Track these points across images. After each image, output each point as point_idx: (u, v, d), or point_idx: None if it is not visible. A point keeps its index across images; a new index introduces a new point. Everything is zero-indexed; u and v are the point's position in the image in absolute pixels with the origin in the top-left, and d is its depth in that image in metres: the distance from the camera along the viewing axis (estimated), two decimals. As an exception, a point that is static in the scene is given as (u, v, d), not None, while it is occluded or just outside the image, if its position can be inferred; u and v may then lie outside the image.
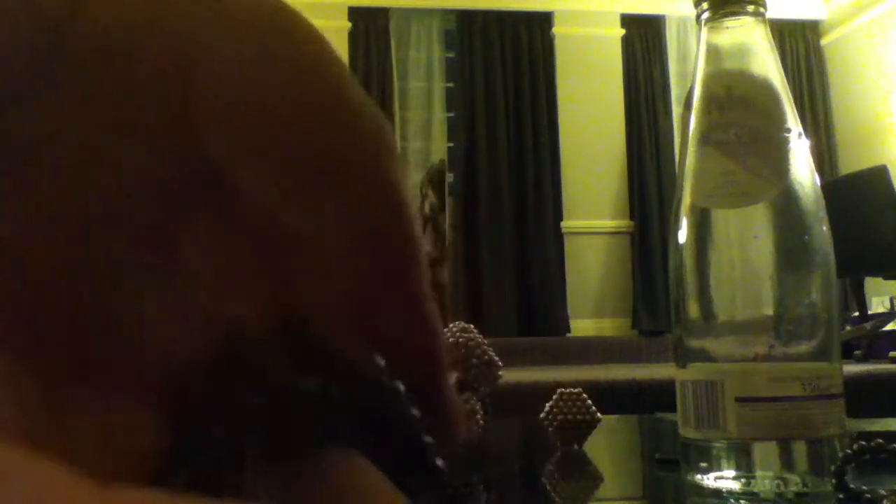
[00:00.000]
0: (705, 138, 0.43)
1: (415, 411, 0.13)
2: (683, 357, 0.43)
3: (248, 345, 0.12)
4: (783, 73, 0.43)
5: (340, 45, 4.06)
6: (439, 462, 0.13)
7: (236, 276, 0.13)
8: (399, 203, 0.13)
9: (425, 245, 0.13)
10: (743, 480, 0.40)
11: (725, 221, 0.43)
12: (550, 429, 0.59)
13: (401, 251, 0.13)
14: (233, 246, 0.13)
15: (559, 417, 0.59)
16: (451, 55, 4.27)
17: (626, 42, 4.34)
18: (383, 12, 4.21)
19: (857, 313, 3.04)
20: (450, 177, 3.66)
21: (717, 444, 0.40)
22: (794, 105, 0.43)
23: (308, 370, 0.12)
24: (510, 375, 1.60)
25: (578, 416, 0.59)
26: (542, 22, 4.28)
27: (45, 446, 0.10)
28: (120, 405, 0.11)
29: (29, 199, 0.11)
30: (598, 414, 0.60)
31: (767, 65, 0.43)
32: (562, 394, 0.60)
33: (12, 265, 0.11)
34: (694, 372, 0.42)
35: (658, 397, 1.57)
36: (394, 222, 0.13)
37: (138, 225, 0.12)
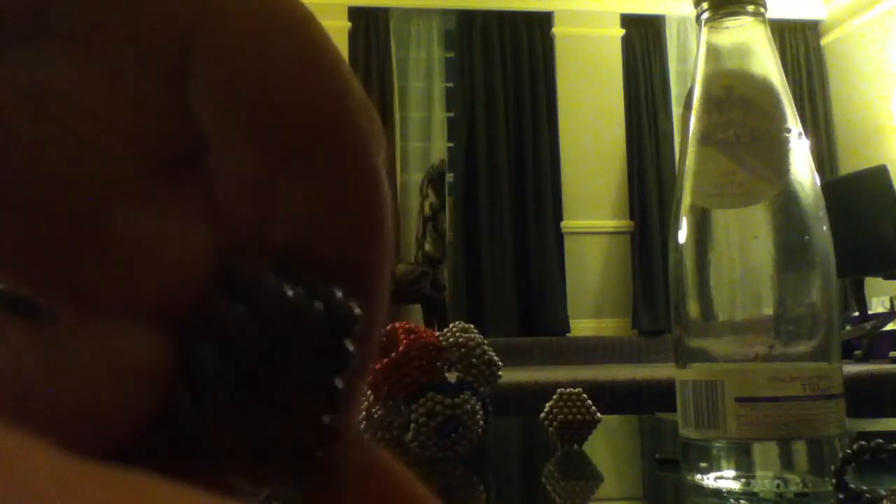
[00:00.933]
0: (705, 138, 0.43)
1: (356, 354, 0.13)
2: (683, 357, 0.43)
3: (239, 269, 0.13)
4: (783, 73, 0.43)
5: (340, 45, 4.04)
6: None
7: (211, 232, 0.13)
8: (375, 187, 0.13)
9: (392, 238, 0.14)
10: (743, 480, 0.40)
11: (725, 221, 0.43)
12: (550, 429, 0.59)
13: (369, 232, 0.13)
14: (208, 213, 0.13)
15: (559, 417, 0.59)
16: (451, 55, 4.27)
17: (626, 42, 4.34)
18: (383, 12, 4.21)
19: (857, 313, 3.04)
20: (450, 177, 3.66)
21: (717, 444, 0.40)
22: (794, 105, 0.43)
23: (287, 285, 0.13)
24: (510, 375, 1.60)
25: (578, 416, 0.59)
26: (542, 22, 4.29)
27: (44, 374, 0.10)
28: (119, 324, 0.12)
29: (20, 145, 0.11)
30: (598, 414, 0.60)
31: (767, 65, 0.43)
32: (562, 394, 0.60)
33: (4, 199, 0.11)
34: (694, 372, 0.42)
35: (658, 397, 1.57)
36: (366, 208, 0.13)
37: (121, 184, 0.12)
